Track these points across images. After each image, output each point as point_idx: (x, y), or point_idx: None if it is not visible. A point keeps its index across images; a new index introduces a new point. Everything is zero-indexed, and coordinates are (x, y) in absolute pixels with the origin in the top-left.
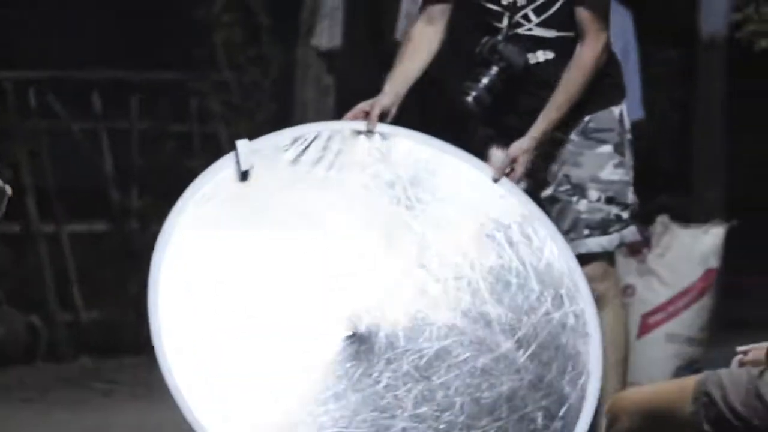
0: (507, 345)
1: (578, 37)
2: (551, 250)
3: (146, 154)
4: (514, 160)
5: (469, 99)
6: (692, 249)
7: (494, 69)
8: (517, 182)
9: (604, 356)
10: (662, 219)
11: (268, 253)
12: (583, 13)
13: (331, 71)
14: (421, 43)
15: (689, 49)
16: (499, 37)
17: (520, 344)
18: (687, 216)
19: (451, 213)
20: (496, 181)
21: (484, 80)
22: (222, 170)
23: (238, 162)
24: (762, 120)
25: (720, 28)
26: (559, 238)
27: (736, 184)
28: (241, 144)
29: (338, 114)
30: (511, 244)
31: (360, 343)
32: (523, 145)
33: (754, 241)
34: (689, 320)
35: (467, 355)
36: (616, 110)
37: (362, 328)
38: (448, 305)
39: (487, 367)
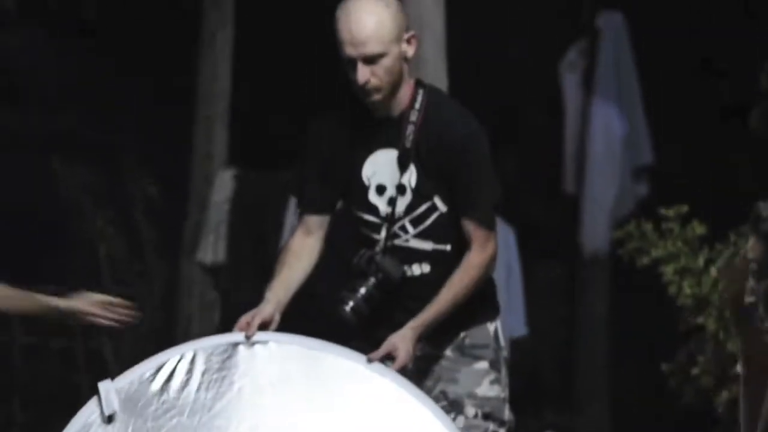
0: None
1: (463, 246)
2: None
3: (29, 368)
4: (394, 349)
5: (347, 309)
6: None
7: (372, 280)
8: (400, 370)
9: None
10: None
11: None
12: (470, 224)
13: (216, 286)
14: (301, 253)
15: (572, 265)
16: (377, 249)
17: None
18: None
19: (337, 411)
20: (370, 361)
21: (362, 290)
22: (88, 416)
23: (101, 405)
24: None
25: (602, 245)
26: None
27: (620, 399)
28: (103, 386)
29: (223, 328)
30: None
31: None
32: (404, 334)
33: None
34: None
35: None
36: (491, 326)
37: None
38: None
39: None
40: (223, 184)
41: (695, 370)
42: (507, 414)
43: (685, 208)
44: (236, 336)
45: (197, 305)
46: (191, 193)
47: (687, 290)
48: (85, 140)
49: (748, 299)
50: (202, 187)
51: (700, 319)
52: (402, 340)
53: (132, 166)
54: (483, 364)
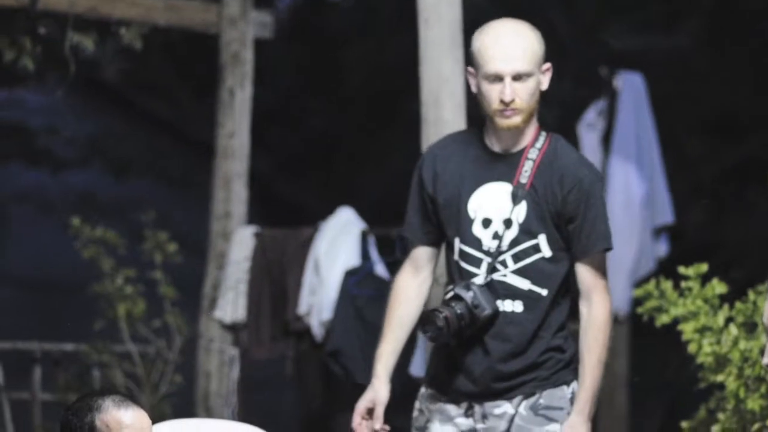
0: None
1: (560, 297)
2: None
3: (48, 425)
4: None
5: (440, 316)
6: None
7: (466, 303)
8: None
9: None
10: None
11: None
12: (585, 270)
13: (236, 343)
14: (409, 295)
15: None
16: (476, 280)
17: None
18: None
19: None
20: None
21: (456, 309)
22: None
23: None
24: (665, 393)
25: (622, 304)
26: None
27: None
28: None
29: (242, 386)
30: None
31: None
32: (572, 423)
33: None
34: None
35: None
36: (567, 390)
37: None
38: None
39: None
40: (243, 242)
41: (715, 428)
42: None
43: (704, 267)
44: None
45: (216, 363)
46: (210, 250)
47: (707, 348)
48: (104, 198)
49: (764, 360)
50: (220, 244)
51: (719, 377)
52: (573, 428)
53: (150, 223)
54: (555, 427)
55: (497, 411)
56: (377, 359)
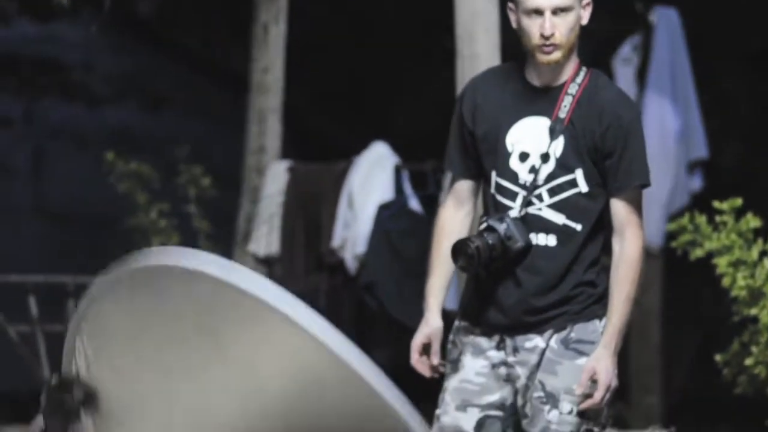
0: None
1: (595, 233)
2: None
3: None
4: (593, 372)
5: (471, 246)
6: None
7: (499, 234)
8: (604, 393)
9: None
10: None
11: None
12: (620, 206)
13: (269, 276)
14: (453, 230)
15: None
16: (511, 213)
17: None
18: (624, 423)
19: None
20: (588, 396)
21: (489, 239)
22: None
23: None
24: (698, 327)
25: (656, 239)
26: None
27: (672, 391)
28: None
29: None
30: None
31: None
32: (598, 356)
33: None
34: None
35: None
36: (599, 324)
37: None
38: None
39: None
40: (277, 177)
41: (749, 361)
42: (605, 413)
43: (739, 202)
44: None
45: None
46: (244, 184)
47: (741, 282)
48: (139, 133)
49: None
50: (254, 179)
51: (753, 310)
52: (598, 361)
53: (185, 158)
54: (585, 360)
55: (528, 344)
56: (428, 293)
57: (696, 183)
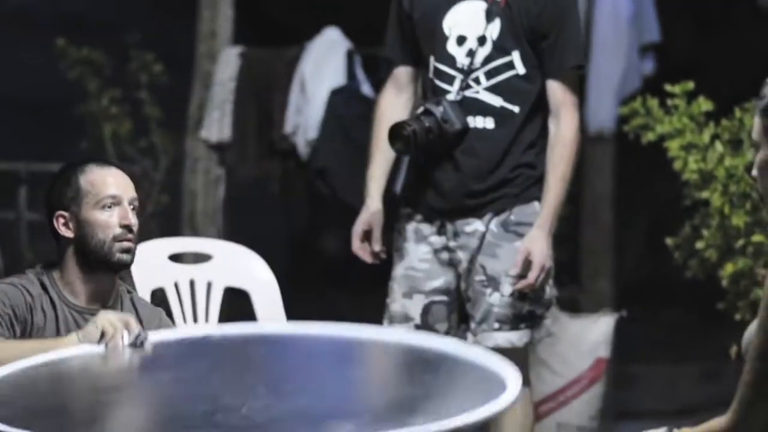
0: None
1: (533, 114)
2: None
3: (35, 245)
4: (528, 253)
5: (408, 129)
6: (581, 339)
7: (436, 117)
8: (538, 274)
9: None
10: (552, 310)
11: None
12: (556, 87)
13: (221, 163)
14: (394, 116)
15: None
16: (448, 96)
17: None
18: (576, 306)
19: None
20: (522, 277)
21: (425, 122)
22: None
23: None
24: (650, 210)
25: (608, 123)
26: None
27: (623, 275)
28: None
29: (227, 204)
30: None
31: None
32: (533, 236)
33: (642, 331)
34: (580, 409)
35: None
36: (538, 205)
37: None
38: None
39: None
40: (229, 62)
41: (700, 244)
42: (548, 293)
43: (690, 85)
44: None
45: (202, 182)
46: (196, 71)
47: (692, 165)
48: (90, 20)
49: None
50: (206, 65)
51: (704, 194)
52: (533, 242)
53: (136, 44)
54: None
55: (468, 228)
56: (369, 180)
57: (648, 66)
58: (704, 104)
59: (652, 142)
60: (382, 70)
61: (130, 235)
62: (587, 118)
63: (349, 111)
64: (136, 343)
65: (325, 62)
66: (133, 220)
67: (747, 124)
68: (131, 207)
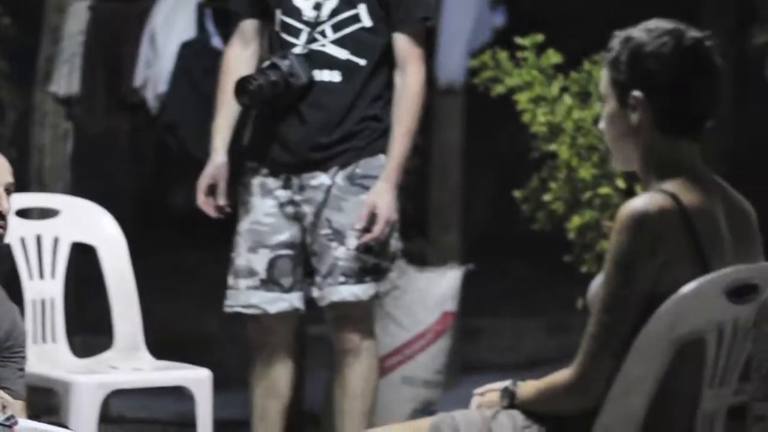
0: None
1: (380, 67)
2: None
3: None
4: (374, 207)
5: (253, 84)
6: (428, 292)
7: (282, 71)
8: (383, 227)
9: (354, 408)
10: (398, 263)
11: None
12: (402, 39)
13: (70, 117)
14: (239, 69)
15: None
16: (294, 50)
17: None
18: (423, 260)
19: None
20: (367, 230)
21: (271, 76)
22: None
23: None
24: (498, 163)
25: (457, 75)
26: None
27: (471, 228)
28: None
29: (75, 159)
30: None
31: None
32: (378, 189)
33: (489, 284)
34: (425, 363)
35: None
36: (383, 158)
37: None
38: None
39: None
40: (78, 15)
41: (548, 197)
42: (393, 246)
43: (540, 38)
44: None
45: (50, 137)
46: (44, 24)
47: (541, 118)
48: None
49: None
50: (55, 18)
51: (553, 146)
52: (378, 195)
53: None
54: None
55: (314, 182)
56: (214, 133)
57: (498, 19)
58: (553, 57)
59: (502, 94)
60: (232, 23)
61: (1, 222)
62: (437, 71)
63: (199, 64)
64: (4, 424)
65: (175, 15)
66: (5, 206)
67: (595, 76)
68: (6, 191)
